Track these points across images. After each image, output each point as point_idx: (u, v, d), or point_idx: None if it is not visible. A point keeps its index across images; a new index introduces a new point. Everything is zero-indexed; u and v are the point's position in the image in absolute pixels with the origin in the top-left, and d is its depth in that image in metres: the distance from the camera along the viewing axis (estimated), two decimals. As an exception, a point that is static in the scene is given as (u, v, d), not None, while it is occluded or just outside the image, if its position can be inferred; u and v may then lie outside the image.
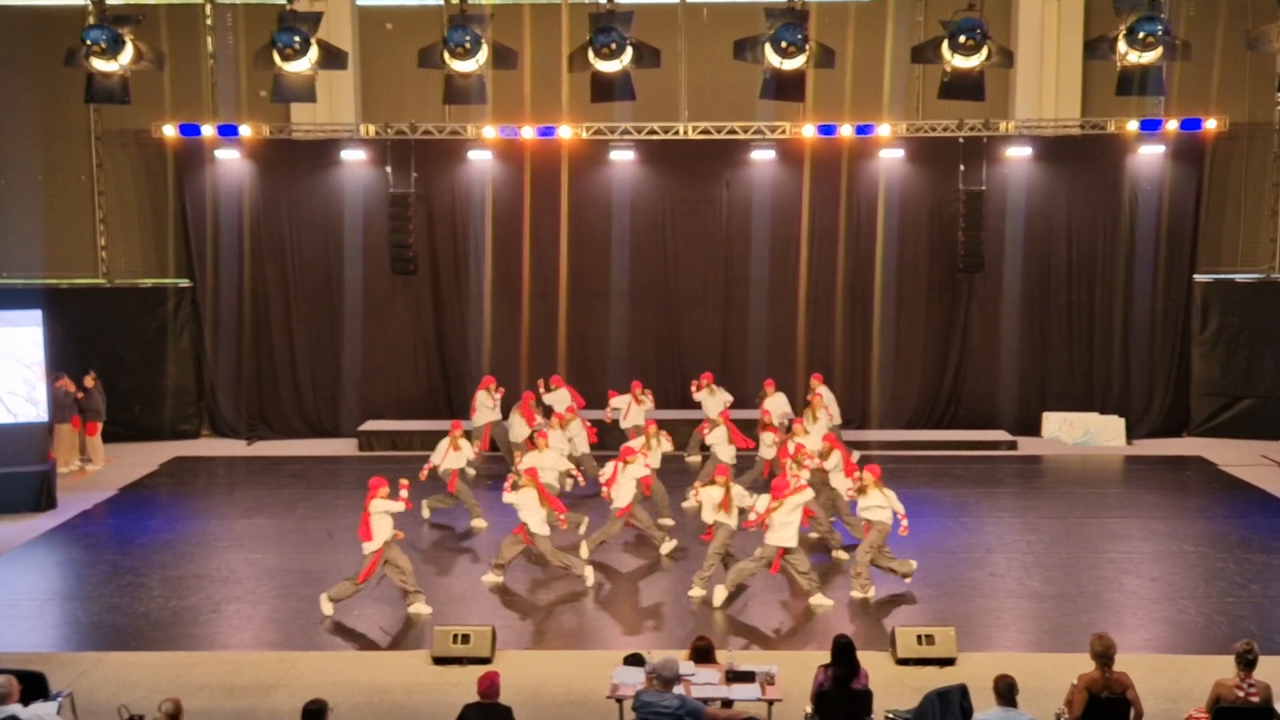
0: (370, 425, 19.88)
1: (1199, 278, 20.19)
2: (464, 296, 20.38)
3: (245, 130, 19.51)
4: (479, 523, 15.20)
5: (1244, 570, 13.50)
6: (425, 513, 15.36)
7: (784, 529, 12.19)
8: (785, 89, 13.98)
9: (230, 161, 19.92)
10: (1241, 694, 8.77)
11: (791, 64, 13.73)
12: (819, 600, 12.40)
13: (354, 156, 19.83)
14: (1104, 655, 8.83)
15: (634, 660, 9.76)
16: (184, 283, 20.41)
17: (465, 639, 10.97)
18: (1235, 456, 18.88)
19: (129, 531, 15.27)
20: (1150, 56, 13.87)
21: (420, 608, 12.23)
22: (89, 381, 18.46)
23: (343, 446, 19.71)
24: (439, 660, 10.92)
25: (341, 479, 17.74)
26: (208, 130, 19.51)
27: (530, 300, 20.25)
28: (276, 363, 20.50)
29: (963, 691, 8.95)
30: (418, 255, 19.94)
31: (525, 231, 20.05)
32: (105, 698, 9.99)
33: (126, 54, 13.88)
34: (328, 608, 12.25)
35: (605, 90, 14.07)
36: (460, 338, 20.46)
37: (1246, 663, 8.82)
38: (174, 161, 20.11)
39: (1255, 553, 14.11)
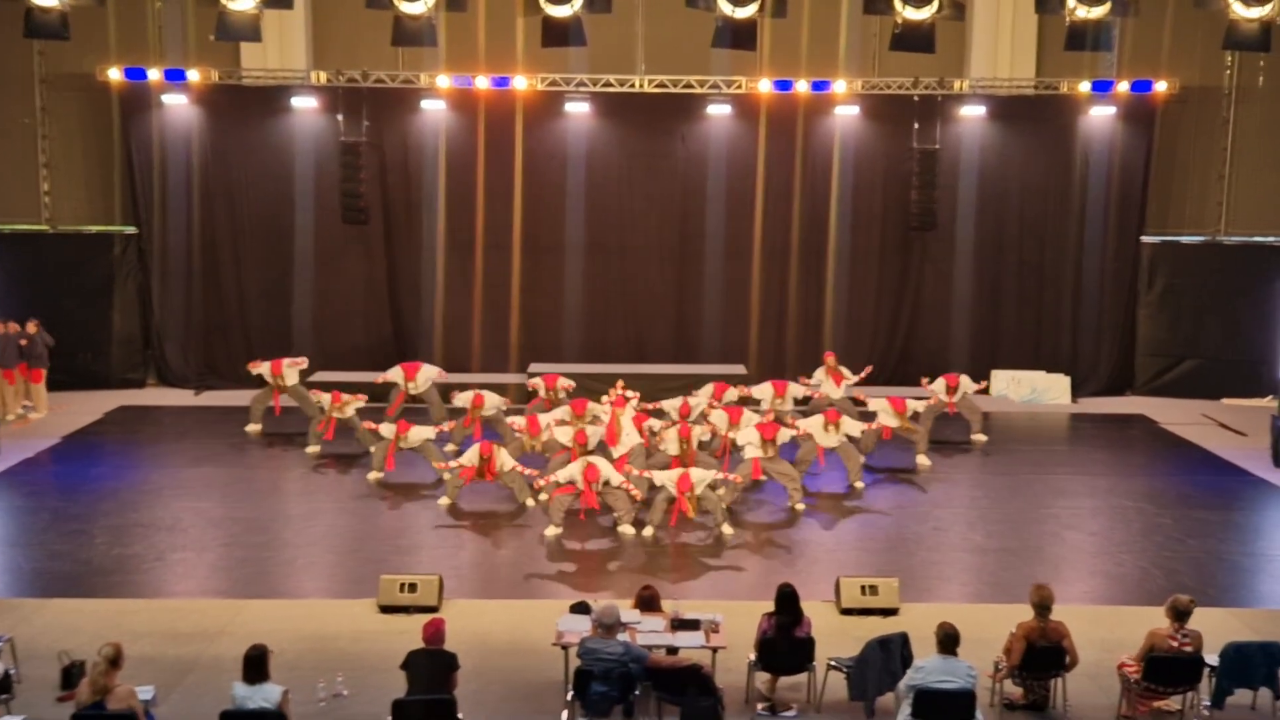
0: (321, 376, 19.68)
1: (1147, 239, 20.38)
2: (416, 247, 20.19)
3: (193, 75, 19.15)
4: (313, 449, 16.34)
5: (1181, 526, 13.73)
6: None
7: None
8: (738, 37, 13.91)
9: (177, 107, 19.58)
10: (1175, 644, 8.94)
11: (744, 12, 13.66)
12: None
13: (305, 104, 19.54)
14: (1042, 606, 8.99)
15: (580, 609, 9.79)
16: (130, 230, 20.07)
17: (412, 588, 10.96)
18: (1178, 415, 19.15)
19: (72, 479, 15.11)
20: (1099, 11, 13.96)
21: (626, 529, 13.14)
22: (31, 328, 18.19)
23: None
24: (385, 609, 10.91)
25: (290, 430, 17.58)
26: (154, 74, 19.15)
27: (483, 252, 20.11)
28: (225, 312, 20.27)
29: (904, 639, 9.06)
30: (369, 205, 19.73)
31: (479, 183, 19.88)
32: (47, 644, 9.90)
33: (66, -12, 13.58)
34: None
35: (557, 35, 13.91)
36: (412, 289, 20.30)
37: (1180, 614, 8.99)
38: (119, 106, 19.70)
39: (1194, 509, 14.35)
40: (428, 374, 17.23)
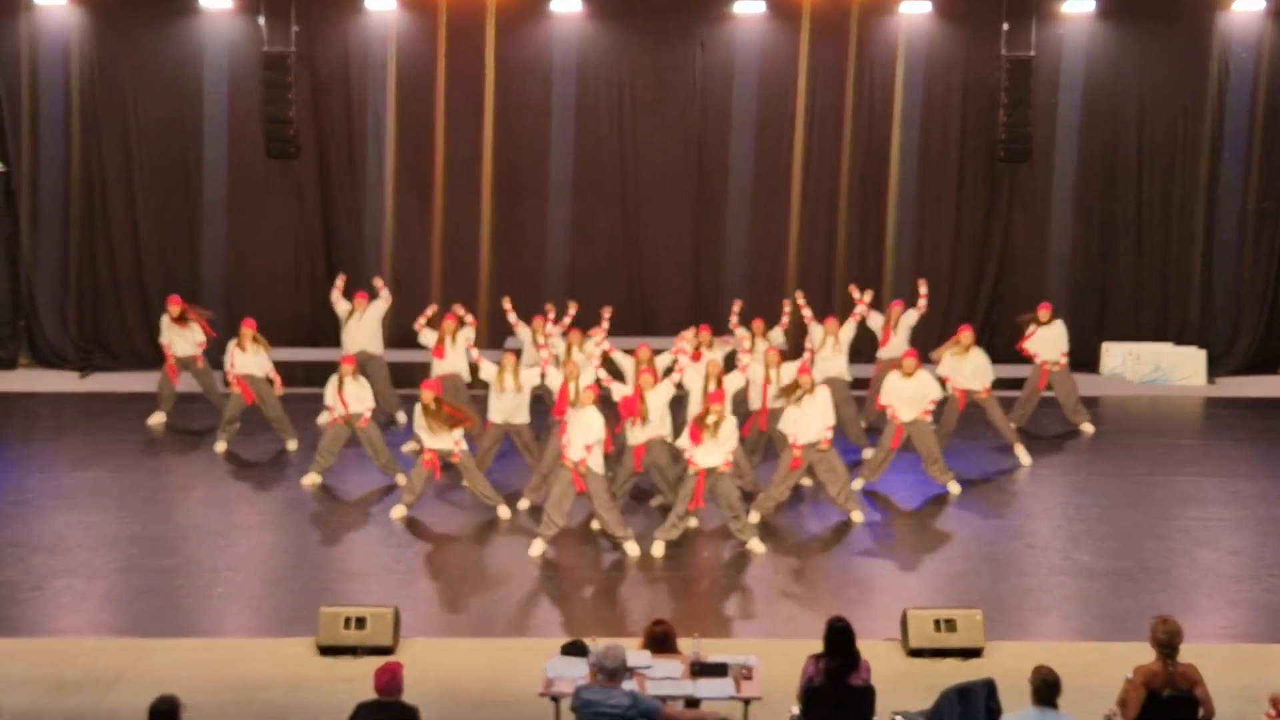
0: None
1: (1304, 171, 20.44)
2: (359, 189, 20.28)
3: (73, -33, 19.26)
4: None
5: (1350, 541, 13.84)
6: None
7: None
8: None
9: (53, 9, 19.61)
10: (1340, 693, 8.98)
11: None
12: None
13: (217, 4, 19.58)
14: (1168, 644, 9.00)
15: (574, 649, 9.87)
16: (-6, 167, 20.23)
17: (360, 623, 11.04)
18: (1344, 399, 19.27)
19: (-75, 488, 15.25)
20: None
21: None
22: None
23: (203, 381, 19.64)
24: (326, 650, 11.00)
25: (201, 420, 17.67)
26: (22, -33, 19.27)
27: (445, 195, 20.19)
28: (118, 272, 20.34)
29: (989, 689, 9.12)
30: (300, 134, 19.77)
31: (439, 105, 19.93)
32: (-105, 697, 10.02)
33: None
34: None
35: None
36: (354, 242, 20.38)
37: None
38: (-23, 8, 19.83)
39: (1365, 520, 14.45)
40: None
